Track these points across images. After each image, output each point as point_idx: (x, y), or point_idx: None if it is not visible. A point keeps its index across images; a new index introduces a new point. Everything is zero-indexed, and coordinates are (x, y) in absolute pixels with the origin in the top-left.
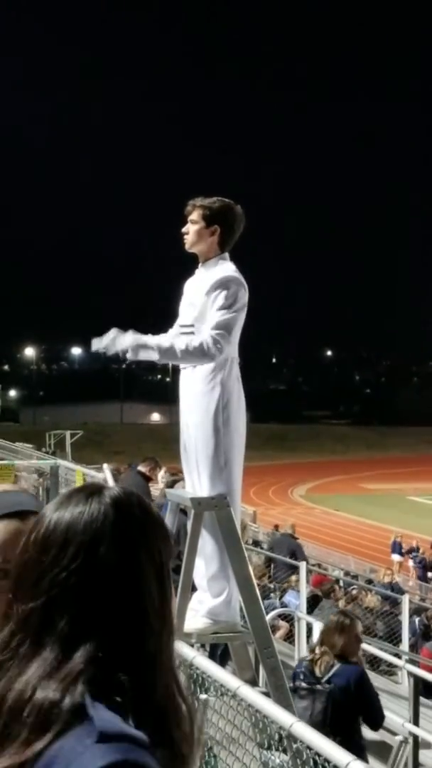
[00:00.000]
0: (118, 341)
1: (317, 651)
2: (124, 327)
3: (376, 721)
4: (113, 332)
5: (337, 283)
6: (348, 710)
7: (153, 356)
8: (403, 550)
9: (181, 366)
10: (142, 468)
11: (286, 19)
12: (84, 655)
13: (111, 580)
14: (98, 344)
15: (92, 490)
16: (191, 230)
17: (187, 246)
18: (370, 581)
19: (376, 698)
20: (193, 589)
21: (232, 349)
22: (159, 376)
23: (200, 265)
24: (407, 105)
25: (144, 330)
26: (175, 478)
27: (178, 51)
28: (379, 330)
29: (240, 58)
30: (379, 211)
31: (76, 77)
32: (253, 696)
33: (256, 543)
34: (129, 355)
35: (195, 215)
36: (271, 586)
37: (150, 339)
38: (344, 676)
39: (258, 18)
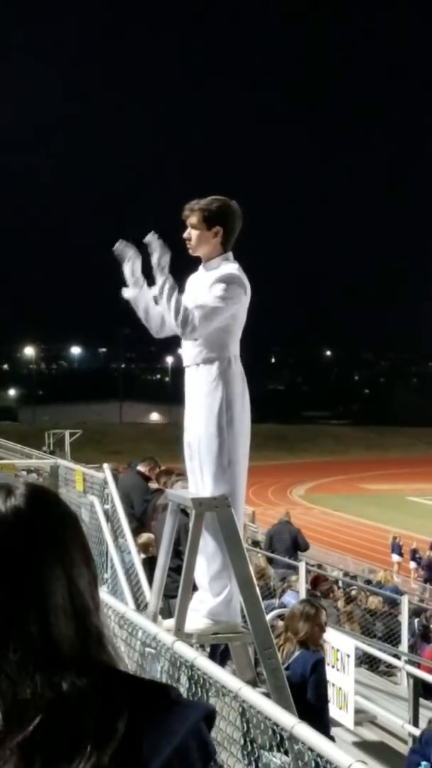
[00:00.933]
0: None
1: (281, 637)
2: (125, 326)
3: (313, 709)
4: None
5: (337, 283)
6: (304, 697)
7: (162, 281)
8: (402, 551)
9: (185, 364)
10: (141, 468)
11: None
12: (69, 647)
13: (47, 578)
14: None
15: (5, 489)
16: (193, 235)
17: (191, 251)
18: (368, 582)
19: (322, 689)
20: (195, 589)
21: (235, 348)
22: (158, 376)
23: (204, 264)
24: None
25: (146, 328)
26: (179, 478)
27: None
28: (379, 330)
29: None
30: (380, 211)
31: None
32: (255, 697)
33: (255, 543)
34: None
35: (194, 219)
36: (272, 584)
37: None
38: (301, 663)
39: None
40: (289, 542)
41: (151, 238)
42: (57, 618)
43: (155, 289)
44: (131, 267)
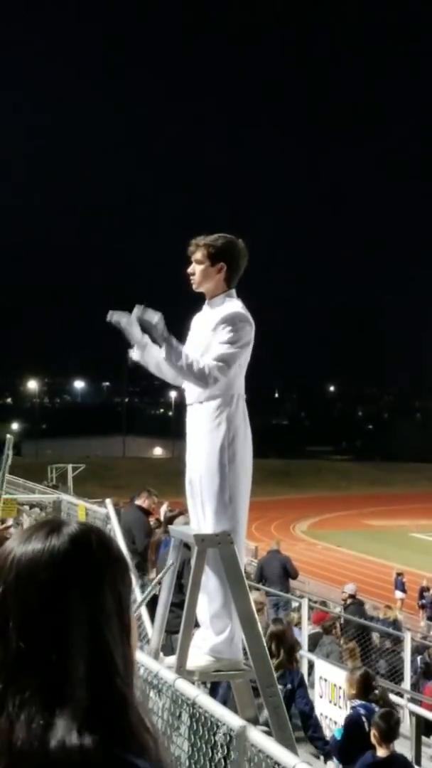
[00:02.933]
0: (142, 311)
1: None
2: (127, 363)
3: (309, 715)
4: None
5: (340, 318)
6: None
7: (163, 343)
8: (406, 588)
9: (188, 401)
10: (139, 502)
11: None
12: (72, 704)
13: (70, 620)
14: (115, 316)
15: (52, 527)
16: (197, 270)
17: (194, 287)
18: (371, 618)
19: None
20: (197, 625)
21: (239, 386)
22: (161, 410)
23: (207, 302)
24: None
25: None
26: (173, 513)
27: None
28: (381, 365)
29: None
30: (381, 245)
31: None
32: (256, 735)
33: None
34: (134, 353)
35: (199, 254)
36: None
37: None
38: (290, 678)
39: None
40: (279, 570)
41: (139, 312)
42: (72, 665)
43: (162, 355)
44: (131, 332)
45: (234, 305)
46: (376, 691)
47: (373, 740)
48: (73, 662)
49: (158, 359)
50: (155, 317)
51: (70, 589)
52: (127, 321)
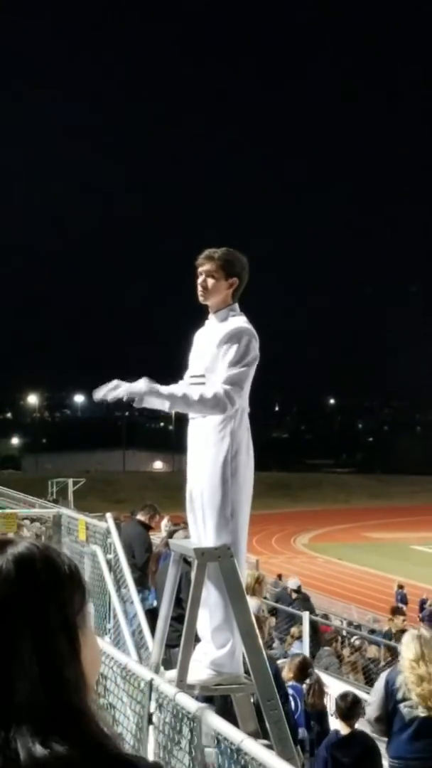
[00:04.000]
0: (127, 388)
1: None
2: (127, 377)
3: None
4: (114, 382)
5: (340, 331)
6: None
7: (162, 405)
8: (407, 599)
9: (191, 415)
10: (140, 516)
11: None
12: (29, 720)
13: (12, 637)
14: (99, 393)
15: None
16: (209, 283)
17: (201, 299)
18: (372, 631)
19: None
20: (197, 639)
21: (243, 400)
22: (162, 424)
23: (211, 315)
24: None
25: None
26: (176, 528)
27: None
28: (382, 378)
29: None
30: (380, 258)
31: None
32: (257, 749)
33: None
34: (135, 403)
35: (212, 267)
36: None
37: (162, 387)
38: None
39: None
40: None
41: (113, 384)
42: (19, 681)
43: (165, 408)
44: (120, 396)
45: (239, 320)
46: (311, 678)
47: (336, 720)
48: (19, 678)
49: (164, 403)
50: (141, 386)
51: (11, 607)
52: (112, 392)
